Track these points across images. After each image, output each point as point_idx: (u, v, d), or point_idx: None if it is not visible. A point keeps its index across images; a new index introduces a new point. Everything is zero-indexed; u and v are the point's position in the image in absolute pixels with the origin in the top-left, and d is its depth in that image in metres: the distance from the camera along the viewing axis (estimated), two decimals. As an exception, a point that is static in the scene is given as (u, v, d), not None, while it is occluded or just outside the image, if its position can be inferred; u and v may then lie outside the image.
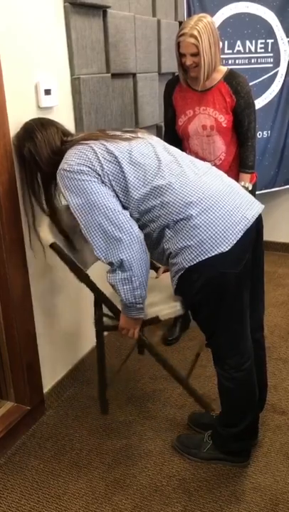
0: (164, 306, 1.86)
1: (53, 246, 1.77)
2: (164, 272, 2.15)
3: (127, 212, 1.56)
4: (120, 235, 1.52)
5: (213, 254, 1.51)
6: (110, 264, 1.56)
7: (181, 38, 2.16)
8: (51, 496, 1.75)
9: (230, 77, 2.32)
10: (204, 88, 2.32)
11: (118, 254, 1.53)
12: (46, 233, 1.79)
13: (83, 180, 1.54)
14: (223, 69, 2.34)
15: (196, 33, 2.12)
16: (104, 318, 1.97)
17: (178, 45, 2.20)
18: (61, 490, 1.77)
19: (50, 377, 2.20)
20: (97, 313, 1.96)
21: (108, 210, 1.53)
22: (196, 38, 2.12)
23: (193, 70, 2.24)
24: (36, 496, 1.75)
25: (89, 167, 1.55)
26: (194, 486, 1.76)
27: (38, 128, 1.70)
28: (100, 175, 1.55)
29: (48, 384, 2.18)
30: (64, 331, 2.26)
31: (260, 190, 3.38)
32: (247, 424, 1.78)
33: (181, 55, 2.22)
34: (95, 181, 1.54)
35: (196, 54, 2.17)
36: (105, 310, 1.94)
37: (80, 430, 2.06)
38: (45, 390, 2.17)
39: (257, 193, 2.71)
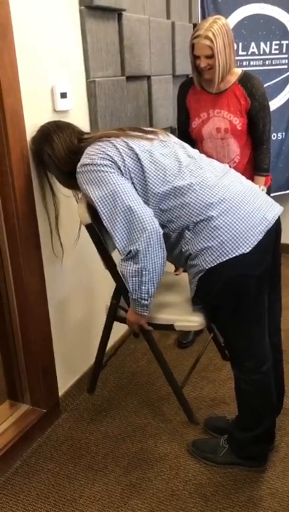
0: (182, 316, 1.83)
1: (88, 227, 1.74)
2: (184, 271, 2.14)
3: (148, 208, 1.55)
4: (142, 226, 1.50)
5: (234, 255, 1.50)
6: (128, 253, 1.54)
7: (195, 40, 2.16)
8: (67, 499, 1.75)
9: (245, 80, 2.30)
10: (218, 90, 2.31)
11: (136, 244, 1.51)
12: (84, 212, 1.73)
13: (106, 171, 1.53)
14: (238, 71, 2.33)
15: (210, 34, 2.11)
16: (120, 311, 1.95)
17: (192, 47, 2.19)
18: (77, 493, 1.77)
19: (65, 380, 2.20)
20: (113, 302, 1.94)
21: (132, 201, 1.52)
22: (210, 39, 2.11)
23: (208, 72, 2.23)
24: (52, 498, 1.75)
25: (111, 161, 1.55)
26: (211, 491, 1.75)
27: (54, 130, 1.70)
28: (121, 170, 1.55)
29: (63, 387, 2.18)
30: (79, 333, 2.26)
31: (275, 192, 3.35)
32: (264, 428, 1.76)
33: (195, 57, 2.22)
34: (117, 174, 1.54)
35: (211, 56, 2.16)
36: (122, 303, 1.92)
37: (95, 433, 2.06)
38: (61, 392, 2.17)
39: (271, 195, 2.69)
